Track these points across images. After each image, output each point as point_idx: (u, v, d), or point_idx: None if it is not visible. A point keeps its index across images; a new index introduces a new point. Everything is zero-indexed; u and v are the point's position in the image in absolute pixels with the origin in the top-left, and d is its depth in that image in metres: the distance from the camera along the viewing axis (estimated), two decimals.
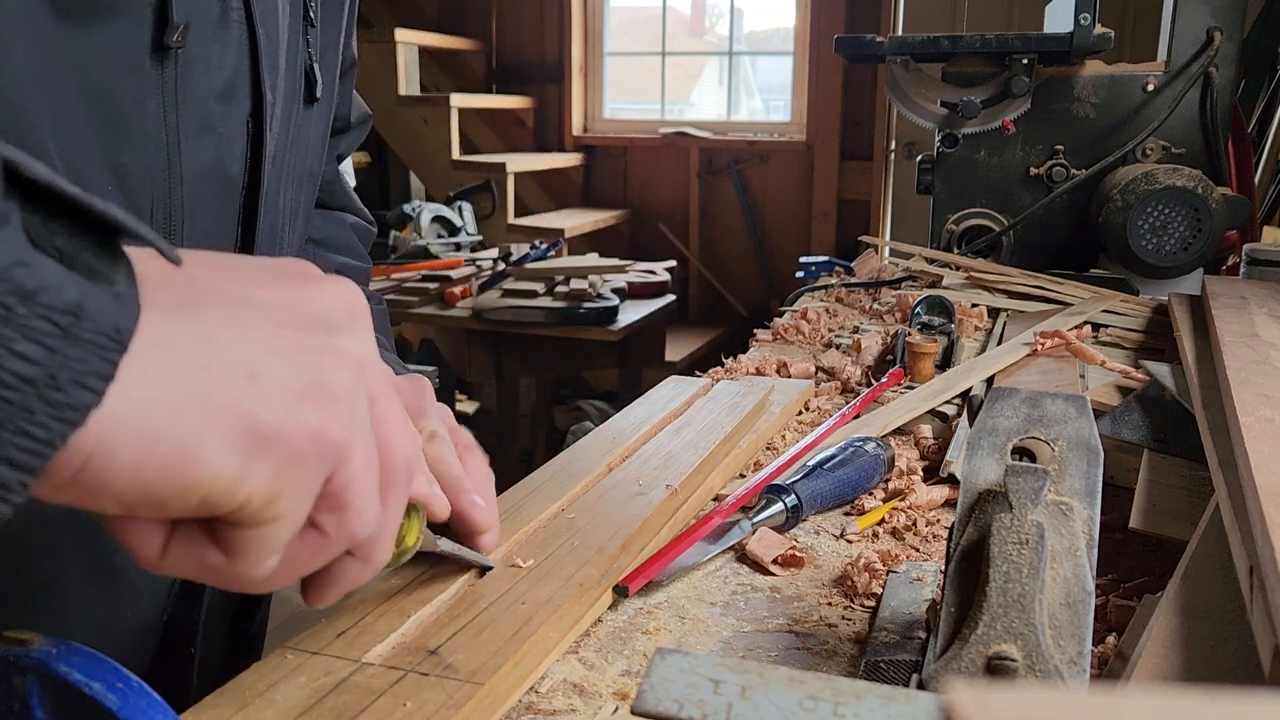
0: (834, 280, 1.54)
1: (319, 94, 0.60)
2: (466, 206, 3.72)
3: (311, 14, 0.59)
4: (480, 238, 3.73)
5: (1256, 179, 1.77)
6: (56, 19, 0.43)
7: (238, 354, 0.31)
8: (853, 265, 1.64)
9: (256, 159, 0.54)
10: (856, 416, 0.88)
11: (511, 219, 4.09)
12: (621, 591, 0.56)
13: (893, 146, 4.23)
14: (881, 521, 0.69)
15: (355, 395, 0.34)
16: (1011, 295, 1.36)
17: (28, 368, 0.27)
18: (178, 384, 0.30)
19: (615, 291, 3.10)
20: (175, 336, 0.30)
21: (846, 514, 0.72)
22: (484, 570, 0.55)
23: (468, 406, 3.95)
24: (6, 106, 0.43)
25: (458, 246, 3.54)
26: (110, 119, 0.47)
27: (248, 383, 0.31)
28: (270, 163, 0.56)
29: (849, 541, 0.66)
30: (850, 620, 0.57)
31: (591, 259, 3.49)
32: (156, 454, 0.29)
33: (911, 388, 0.94)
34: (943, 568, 0.57)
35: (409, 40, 4.13)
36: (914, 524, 0.68)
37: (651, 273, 3.42)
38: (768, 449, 0.83)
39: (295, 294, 0.35)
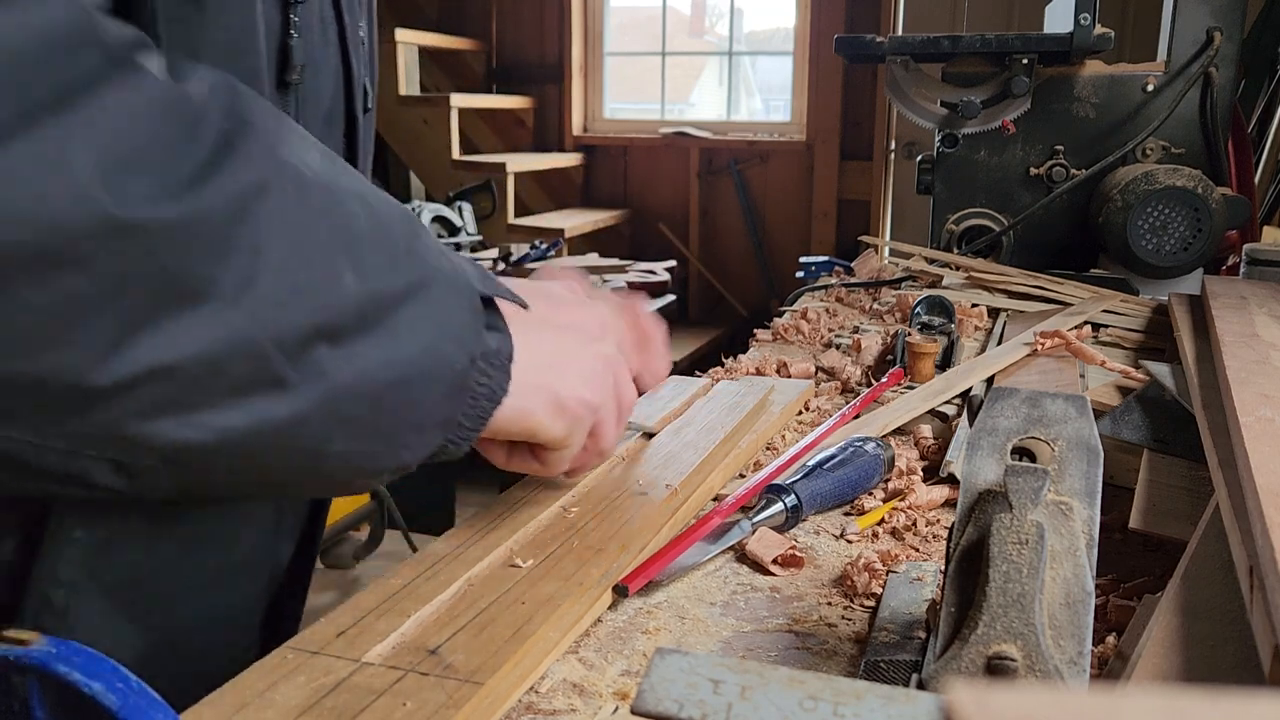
0: (834, 280, 1.54)
1: (370, 104, 0.65)
2: (466, 206, 3.72)
3: (361, 33, 0.63)
4: (480, 238, 3.73)
5: (1256, 179, 1.77)
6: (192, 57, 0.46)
7: (554, 359, 0.56)
8: (853, 265, 1.64)
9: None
10: (856, 416, 0.88)
11: (511, 219, 4.09)
12: (621, 591, 0.56)
13: (893, 146, 4.23)
14: (881, 521, 0.69)
15: (607, 377, 0.60)
16: (1011, 295, 1.36)
17: (485, 386, 0.51)
18: (527, 377, 0.53)
19: (615, 291, 3.09)
20: (525, 350, 0.53)
21: (846, 514, 0.72)
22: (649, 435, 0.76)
23: None
24: None
25: (458, 246, 3.54)
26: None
27: (558, 375, 0.56)
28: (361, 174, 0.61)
29: (849, 542, 0.66)
30: (850, 620, 0.57)
31: (591, 259, 3.49)
32: (515, 413, 0.53)
33: (911, 388, 0.94)
34: (942, 568, 0.57)
35: (409, 40, 4.12)
36: (914, 524, 0.68)
37: (651, 273, 3.42)
38: (768, 449, 0.83)
39: (581, 317, 0.59)
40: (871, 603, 0.58)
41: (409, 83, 4.17)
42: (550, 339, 0.56)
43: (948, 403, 0.91)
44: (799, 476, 0.69)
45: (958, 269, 1.48)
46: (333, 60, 0.57)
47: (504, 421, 0.53)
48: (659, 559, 0.60)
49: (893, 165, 4.24)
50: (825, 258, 1.79)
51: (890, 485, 0.74)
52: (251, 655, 0.62)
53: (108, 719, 0.39)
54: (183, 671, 0.56)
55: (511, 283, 0.55)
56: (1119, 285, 1.38)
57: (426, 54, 4.45)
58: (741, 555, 0.64)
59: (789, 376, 1.02)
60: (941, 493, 0.72)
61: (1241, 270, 1.23)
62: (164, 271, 0.37)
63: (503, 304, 0.53)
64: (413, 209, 3.50)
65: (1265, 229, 1.56)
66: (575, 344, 0.57)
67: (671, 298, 3.48)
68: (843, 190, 4.28)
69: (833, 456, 0.71)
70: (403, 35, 4.06)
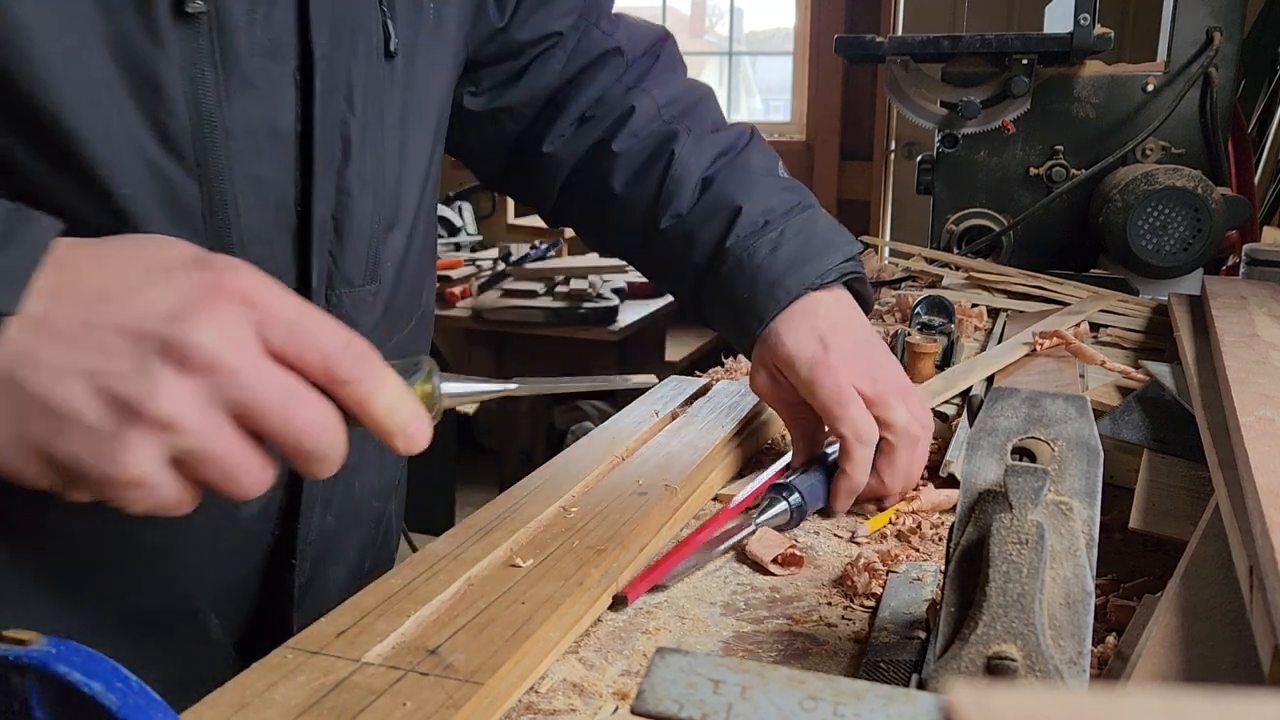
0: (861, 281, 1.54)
1: (394, 48, 0.61)
2: (466, 206, 3.72)
3: None
4: (480, 237, 3.73)
5: (1256, 179, 1.77)
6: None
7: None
8: None
9: (307, 110, 0.56)
10: None
11: (511, 219, 4.09)
12: (620, 602, 0.56)
13: (892, 146, 4.23)
14: (889, 523, 0.69)
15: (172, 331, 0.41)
16: (1011, 295, 1.36)
17: None
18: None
19: (615, 291, 3.10)
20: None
21: (849, 514, 0.72)
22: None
23: (468, 406, 3.95)
24: (38, 84, 0.46)
25: (458, 246, 3.54)
26: (145, 84, 0.49)
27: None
28: (325, 115, 0.57)
29: (857, 544, 0.66)
30: (850, 620, 0.57)
31: (591, 259, 3.49)
32: None
33: None
34: (943, 568, 0.57)
35: None
36: (919, 527, 0.68)
37: None
38: (768, 449, 0.83)
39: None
40: (871, 603, 0.58)
41: None
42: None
43: (947, 402, 0.91)
44: (800, 473, 0.69)
45: (957, 269, 1.48)
46: None
47: None
48: (659, 568, 0.60)
49: (893, 165, 4.24)
50: None
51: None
52: (211, 640, 0.62)
53: (107, 718, 0.39)
54: (137, 653, 0.55)
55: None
56: (1119, 285, 1.38)
57: None
58: (741, 555, 0.64)
59: None
60: (949, 496, 0.72)
61: (1241, 270, 1.23)
62: None
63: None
64: None
65: (1265, 229, 1.56)
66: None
67: (671, 298, 3.48)
68: (843, 190, 4.28)
69: (834, 453, 0.71)
70: None
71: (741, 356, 1.09)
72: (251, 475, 0.42)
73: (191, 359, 0.39)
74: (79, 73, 0.47)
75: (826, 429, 0.70)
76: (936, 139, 1.60)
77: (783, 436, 0.86)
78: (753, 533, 0.64)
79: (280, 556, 0.65)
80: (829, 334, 0.70)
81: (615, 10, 0.84)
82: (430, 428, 0.46)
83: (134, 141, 0.50)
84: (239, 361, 0.40)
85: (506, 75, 0.79)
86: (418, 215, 0.68)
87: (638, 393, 0.91)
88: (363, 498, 0.71)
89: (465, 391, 0.50)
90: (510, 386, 0.53)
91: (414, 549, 2.86)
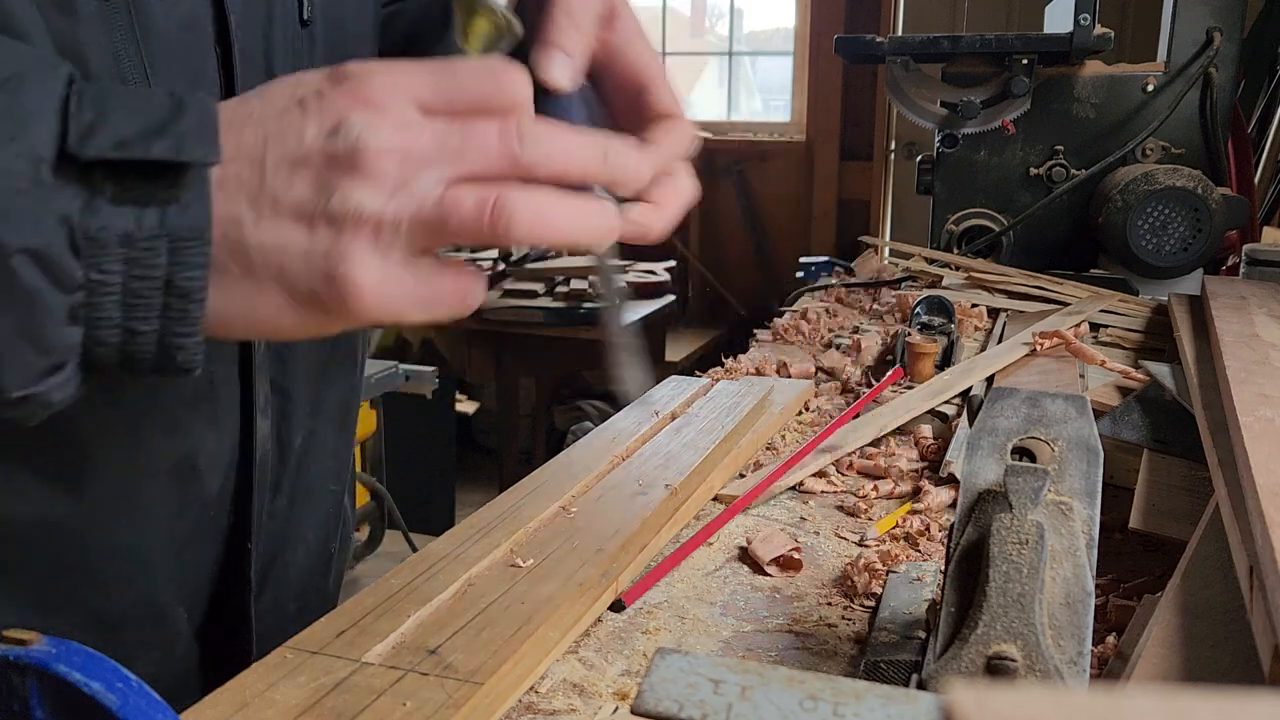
0: (834, 280, 1.54)
1: (308, 15, 0.61)
2: None
3: None
4: None
5: (1256, 179, 1.77)
6: None
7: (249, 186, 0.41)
8: (853, 265, 1.64)
9: (229, 81, 0.56)
10: (856, 416, 0.88)
11: None
12: (618, 606, 0.56)
13: (892, 147, 4.24)
14: (896, 525, 0.69)
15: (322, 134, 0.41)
16: (1011, 295, 1.36)
17: (101, 280, 0.39)
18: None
19: None
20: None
21: (851, 514, 0.72)
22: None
23: (468, 406, 3.95)
24: None
25: (457, 247, 3.54)
26: (68, 58, 0.48)
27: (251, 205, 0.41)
28: (244, 85, 0.56)
29: (865, 546, 0.66)
30: (850, 620, 0.57)
31: (592, 259, 3.48)
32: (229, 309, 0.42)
33: (910, 387, 0.94)
34: (943, 568, 0.57)
35: None
36: (927, 529, 0.67)
37: (651, 273, 3.42)
38: (767, 449, 0.83)
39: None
40: (871, 603, 0.58)
41: None
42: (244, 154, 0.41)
43: (947, 403, 0.91)
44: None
45: (958, 269, 1.48)
46: None
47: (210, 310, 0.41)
48: (658, 572, 0.60)
49: (893, 165, 4.24)
50: (825, 258, 1.79)
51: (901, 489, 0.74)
52: (175, 638, 0.61)
53: (108, 718, 0.39)
54: (106, 646, 0.56)
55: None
56: (1119, 285, 1.38)
57: None
58: (742, 555, 0.64)
59: (789, 376, 1.02)
60: (952, 495, 0.72)
61: (1241, 270, 1.23)
62: None
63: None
64: None
65: (1265, 229, 1.56)
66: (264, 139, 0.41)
67: (671, 298, 3.48)
68: (843, 190, 4.28)
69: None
70: None
71: (742, 357, 1.09)
72: (471, 207, 0.41)
73: (365, 159, 0.40)
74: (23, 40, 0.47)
75: None
76: (936, 139, 1.60)
77: (782, 436, 0.86)
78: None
79: (236, 543, 0.64)
80: None
81: None
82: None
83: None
84: (397, 138, 0.40)
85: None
86: None
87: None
88: (316, 480, 0.70)
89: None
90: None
91: (414, 549, 2.85)
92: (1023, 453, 0.47)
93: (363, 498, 2.68)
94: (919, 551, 0.65)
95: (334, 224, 0.40)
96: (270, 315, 0.42)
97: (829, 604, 0.58)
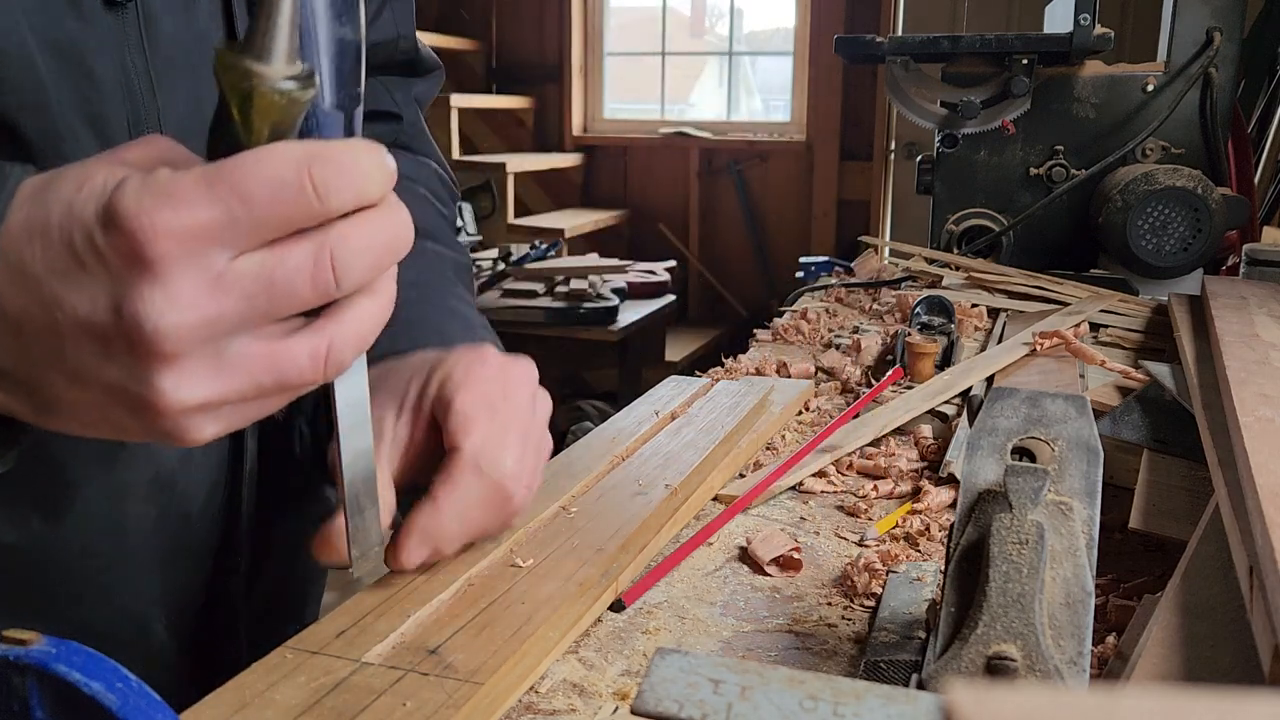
0: (834, 280, 1.54)
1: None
2: (466, 206, 3.72)
3: None
4: (480, 238, 3.73)
5: (1256, 179, 1.77)
6: None
7: None
8: (853, 265, 1.64)
9: None
10: (856, 416, 0.88)
11: (511, 219, 4.09)
12: (618, 606, 0.56)
13: (892, 147, 4.24)
14: (896, 525, 0.69)
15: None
16: (1011, 295, 1.36)
17: None
18: None
19: (615, 291, 3.10)
20: None
21: (851, 514, 0.72)
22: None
23: None
24: None
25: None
26: (78, 71, 0.49)
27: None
28: None
29: (865, 546, 0.66)
30: (850, 620, 0.57)
31: (591, 259, 3.49)
32: None
33: (910, 387, 0.94)
34: (943, 568, 0.57)
35: None
36: (927, 529, 0.67)
37: (651, 273, 3.42)
38: (767, 449, 0.83)
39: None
40: (871, 603, 0.58)
41: None
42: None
43: (947, 403, 0.91)
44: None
45: (957, 269, 1.48)
46: None
47: (46, 426, 0.40)
48: (658, 572, 0.60)
49: (892, 165, 4.24)
50: (825, 258, 1.79)
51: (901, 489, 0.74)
52: (161, 652, 0.61)
53: (107, 718, 0.39)
54: None
55: None
56: (1119, 285, 1.38)
57: None
58: (742, 555, 0.64)
59: (789, 376, 1.02)
60: (953, 495, 0.72)
61: (1241, 270, 1.23)
62: None
63: None
64: None
65: (1265, 229, 1.56)
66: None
67: (671, 298, 3.48)
68: (842, 190, 4.28)
69: None
70: None
71: (742, 357, 1.09)
72: (307, 363, 0.39)
73: (162, 345, 0.36)
74: (18, 61, 0.47)
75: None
76: (936, 139, 1.60)
77: (783, 436, 0.86)
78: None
79: (222, 559, 0.64)
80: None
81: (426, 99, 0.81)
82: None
83: (70, 130, 0.50)
84: (191, 313, 0.36)
85: None
86: None
87: (638, 393, 0.91)
88: (314, 485, 0.70)
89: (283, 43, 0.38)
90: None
91: None
92: (1023, 453, 0.47)
93: None
94: (919, 551, 0.65)
95: (148, 404, 0.37)
96: (108, 434, 0.40)
97: (829, 604, 0.58)
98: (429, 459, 0.53)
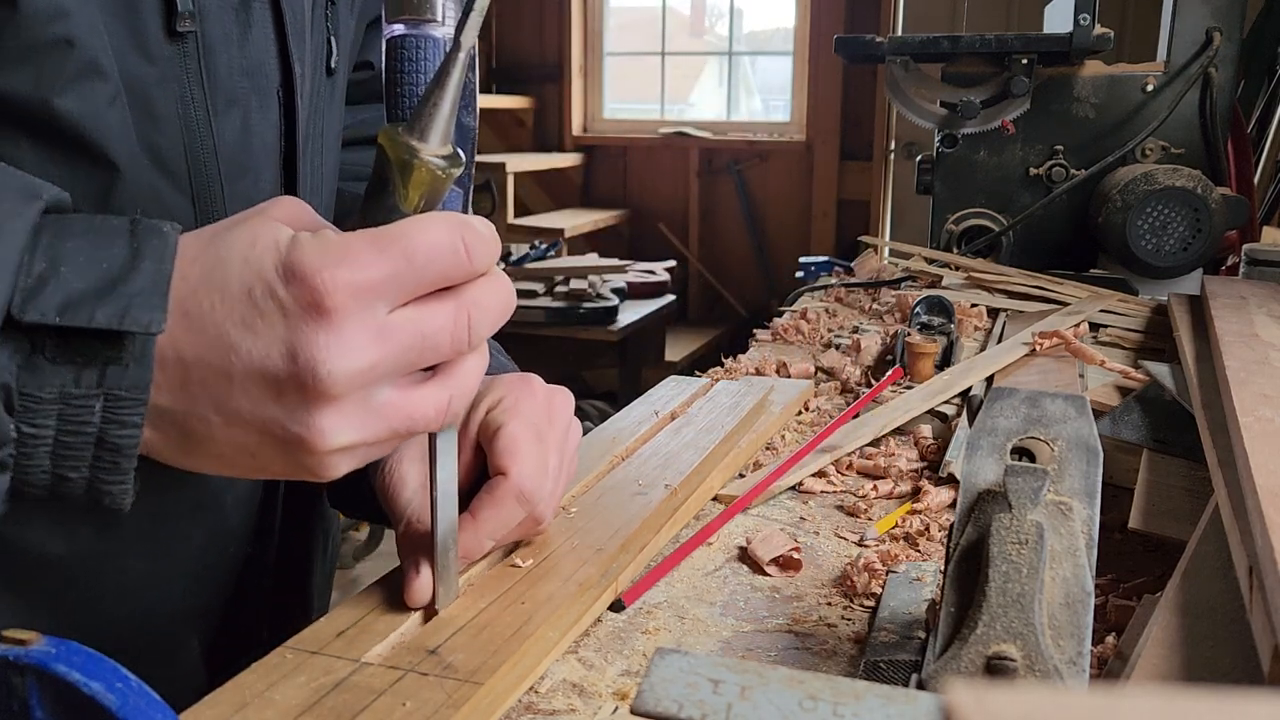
0: (834, 280, 1.54)
1: (334, 64, 0.62)
2: None
3: None
4: None
5: (1256, 179, 1.77)
6: (80, 6, 0.46)
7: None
8: (852, 265, 1.64)
9: (290, 127, 0.57)
10: (856, 416, 0.88)
11: (511, 219, 4.09)
12: (618, 606, 0.56)
13: (892, 146, 4.24)
14: (896, 525, 0.69)
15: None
16: (1011, 295, 1.36)
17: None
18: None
19: (615, 291, 3.10)
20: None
21: (851, 514, 0.72)
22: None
23: None
24: (54, 93, 0.46)
25: None
26: (137, 102, 0.50)
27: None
28: (303, 131, 0.58)
29: (864, 546, 0.66)
30: (850, 620, 0.57)
31: (591, 259, 3.49)
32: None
33: (910, 387, 0.94)
34: (942, 568, 0.57)
35: None
36: (927, 529, 0.67)
37: (651, 273, 3.42)
38: (767, 449, 0.83)
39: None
40: (871, 603, 0.58)
41: None
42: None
43: (947, 403, 0.91)
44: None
45: (957, 269, 1.48)
46: (259, 9, 0.54)
47: (176, 463, 0.43)
48: (658, 572, 0.60)
49: (892, 165, 4.24)
50: (825, 258, 1.79)
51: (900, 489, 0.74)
52: (185, 664, 0.62)
53: (107, 719, 0.39)
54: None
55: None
56: (1118, 285, 1.38)
57: None
58: (742, 555, 0.64)
59: (789, 376, 1.02)
60: (952, 495, 0.72)
61: (1241, 270, 1.23)
62: None
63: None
64: None
65: (1265, 229, 1.56)
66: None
67: (671, 298, 3.48)
68: (842, 190, 4.28)
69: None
70: None
71: (741, 357, 1.09)
72: (433, 413, 0.43)
73: (329, 389, 0.40)
74: (86, 88, 0.47)
75: None
76: (936, 139, 1.60)
77: (782, 436, 0.86)
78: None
79: (250, 575, 0.65)
80: None
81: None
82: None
83: (131, 159, 0.50)
84: (359, 360, 0.40)
85: None
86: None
87: (638, 393, 0.91)
88: (329, 513, 0.73)
89: (442, 124, 0.44)
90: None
91: None
92: (1022, 453, 0.47)
93: None
94: (918, 551, 0.65)
95: (301, 442, 0.40)
96: (244, 472, 0.43)
97: (829, 604, 0.58)
98: (469, 476, 0.55)
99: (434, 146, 0.43)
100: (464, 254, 0.41)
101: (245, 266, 0.40)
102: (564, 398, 0.60)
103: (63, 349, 0.38)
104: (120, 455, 0.40)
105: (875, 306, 1.37)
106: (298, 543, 0.71)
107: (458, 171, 0.44)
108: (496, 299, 0.43)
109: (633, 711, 0.34)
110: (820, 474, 0.77)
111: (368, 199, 0.44)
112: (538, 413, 0.56)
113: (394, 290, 0.40)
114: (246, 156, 0.55)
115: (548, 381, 0.60)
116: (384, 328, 0.40)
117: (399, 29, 0.48)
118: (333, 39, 0.61)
